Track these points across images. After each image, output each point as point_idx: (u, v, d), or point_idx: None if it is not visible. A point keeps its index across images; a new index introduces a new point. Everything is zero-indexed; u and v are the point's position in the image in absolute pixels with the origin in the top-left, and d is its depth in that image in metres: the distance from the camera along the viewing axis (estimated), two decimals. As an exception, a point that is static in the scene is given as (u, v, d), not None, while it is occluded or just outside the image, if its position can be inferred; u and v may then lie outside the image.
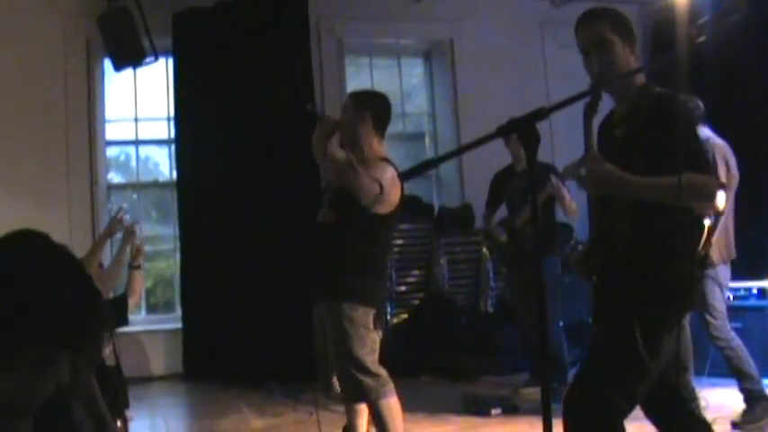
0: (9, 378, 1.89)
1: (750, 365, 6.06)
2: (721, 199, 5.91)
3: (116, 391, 5.67)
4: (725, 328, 6.17)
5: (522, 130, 2.66)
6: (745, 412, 6.02)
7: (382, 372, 4.99)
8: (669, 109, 3.40)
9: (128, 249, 6.29)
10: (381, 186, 4.88)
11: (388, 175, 5.01)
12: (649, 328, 3.28)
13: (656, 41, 11.44)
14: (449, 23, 11.20)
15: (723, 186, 5.96)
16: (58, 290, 1.91)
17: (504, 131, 2.67)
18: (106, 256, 7.37)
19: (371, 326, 5.02)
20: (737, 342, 6.14)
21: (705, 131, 6.12)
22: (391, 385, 5.01)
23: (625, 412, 3.35)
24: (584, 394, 3.36)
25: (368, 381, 4.91)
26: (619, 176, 3.29)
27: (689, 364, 6.36)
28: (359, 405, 5.32)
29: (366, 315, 4.99)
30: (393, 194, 5.03)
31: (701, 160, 3.32)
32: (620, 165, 3.33)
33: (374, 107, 5.38)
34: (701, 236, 5.84)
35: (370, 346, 4.97)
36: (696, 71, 9.93)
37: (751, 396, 6.04)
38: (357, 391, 4.97)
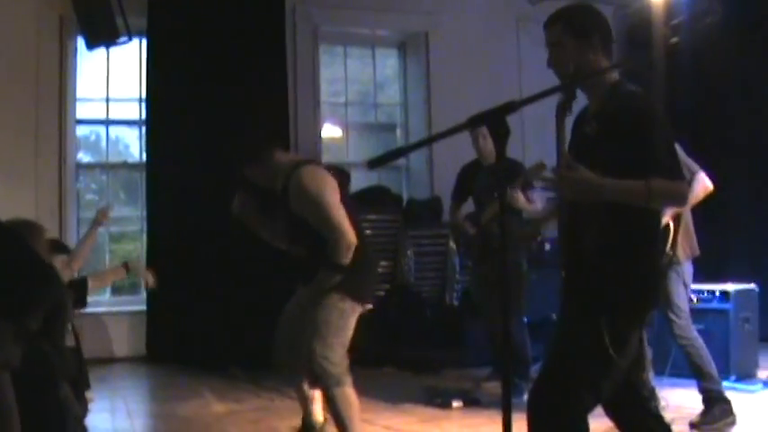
0: None
1: (711, 365, 6.12)
2: (702, 183, 6.02)
3: (76, 373, 5.65)
4: (688, 327, 6.22)
5: (493, 123, 2.68)
6: (703, 413, 6.07)
7: (345, 363, 5.07)
8: (639, 109, 3.41)
9: (95, 234, 6.39)
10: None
11: (326, 186, 5.09)
12: (616, 324, 3.30)
13: (631, 43, 11.50)
14: (425, 16, 11.20)
15: (695, 172, 6.04)
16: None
17: (474, 123, 2.69)
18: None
19: (353, 323, 5.14)
20: (700, 342, 6.20)
21: None
22: (350, 378, 5.09)
23: (589, 407, 3.37)
24: (549, 388, 3.38)
25: (330, 368, 4.97)
26: (594, 183, 3.29)
27: (647, 364, 6.42)
28: (311, 392, 5.47)
29: (353, 309, 5.12)
30: (335, 201, 5.06)
31: (671, 163, 3.33)
32: (590, 162, 3.34)
33: (270, 140, 5.48)
34: (668, 235, 5.89)
35: (343, 338, 5.08)
36: (672, 73, 10.04)
37: (710, 397, 6.09)
38: (319, 375, 5.04)
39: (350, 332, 5.14)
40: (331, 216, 5.00)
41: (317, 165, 5.35)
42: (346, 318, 5.11)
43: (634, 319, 3.39)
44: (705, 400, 6.12)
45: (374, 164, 2.85)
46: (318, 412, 5.64)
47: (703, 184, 6.07)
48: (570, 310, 3.57)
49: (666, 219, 5.79)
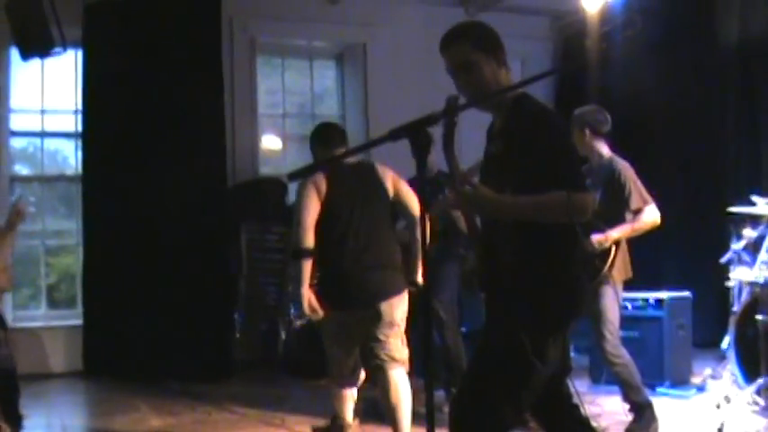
0: None
1: (638, 378, 6.17)
2: (653, 215, 6.06)
3: (10, 394, 5.60)
4: (619, 345, 6.25)
5: (414, 135, 2.69)
6: (634, 421, 6.12)
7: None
8: (542, 123, 3.39)
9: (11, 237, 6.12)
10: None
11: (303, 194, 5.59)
12: (536, 335, 3.30)
13: (567, 53, 11.64)
14: (363, 28, 11.21)
15: (648, 203, 6.08)
16: None
17: (395, 136, 2.70)
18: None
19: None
20: (628, 357, 6.23)
21: (605, 149, 6.19)
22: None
23: (510, 420, 3.36)
24: (469, 401, 3.37)
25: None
26: (489, 199, 3.30)
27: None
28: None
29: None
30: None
31: (569, 177, 3.31)
32: (497, 179, 3.36)
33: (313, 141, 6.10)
34: (608, 256, 5.95)
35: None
36: (605, 84, 10.18)
37: (638, 406, 6.14)
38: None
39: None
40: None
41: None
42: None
43: (553, 330, 3.39)
44: (633, 409, 6.18)
45: (293, 176, 2.86)
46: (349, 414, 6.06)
47: (653, 217, 6.09)
48: (491, 326, 3.58)
49: (609, 243, 5.88)
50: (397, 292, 5.60)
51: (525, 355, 3.26)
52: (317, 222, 5.52)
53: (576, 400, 3.76)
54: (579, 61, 10.36)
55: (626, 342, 6.34)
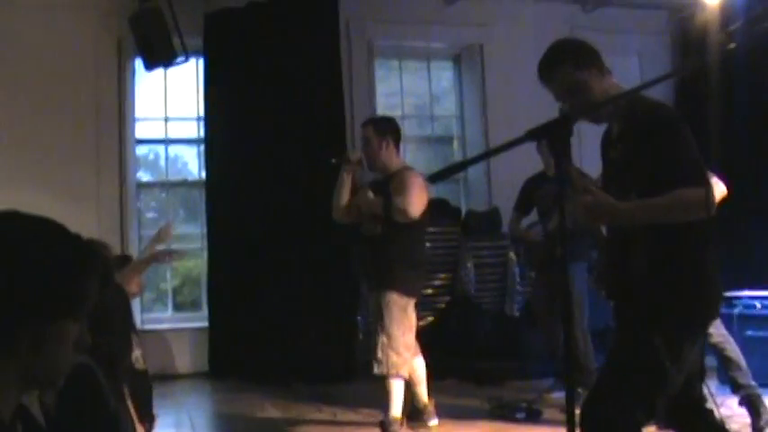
0: (12, 362, 1.84)
1: (743, 358, 6.09)
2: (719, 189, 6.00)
3: (145, 395, 5.75)
4: (719, 324, 6.18)
5: (551, 135, 2.68)
6: (756, 419, 6.03)
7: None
8: (660, 122, 3.34)
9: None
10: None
11: (419, 182, 6.25)
12: (671, 338, 3.25)
13: (686, 47, 11.40)
14: (479, 28, 11.18)
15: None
16: (29, 265, 1.84)
17: (533, 136, 2.69)
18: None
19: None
20: (732, 339, 6.18)
21: None
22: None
23: (642, 422, 3.33)
24: (602, 403, 3.34)
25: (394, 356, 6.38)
26: (609, 206, 3.27)
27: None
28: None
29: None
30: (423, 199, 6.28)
31: (690, 172, 3.26)
32: (621, 183, 3.31)
33: (393, 131, 6.65)
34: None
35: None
36: (728, 79, 9.91)
37: (750, 399, 6.05)
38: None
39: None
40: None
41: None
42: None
43: (691, 331, 3.34)
44: (746, 403, 6.09)
45: (435, 178, 2.89)
46: (423, 394, 6.56)
47: (719, 190, 6.02)
48: (622, 330, 3.53)
49: None
50: None
51: (660, 359, 3.21)
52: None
53: (710, 404, 3.69)
54: (699, 60, 10.14)
55: (756, 342, 6.25)
